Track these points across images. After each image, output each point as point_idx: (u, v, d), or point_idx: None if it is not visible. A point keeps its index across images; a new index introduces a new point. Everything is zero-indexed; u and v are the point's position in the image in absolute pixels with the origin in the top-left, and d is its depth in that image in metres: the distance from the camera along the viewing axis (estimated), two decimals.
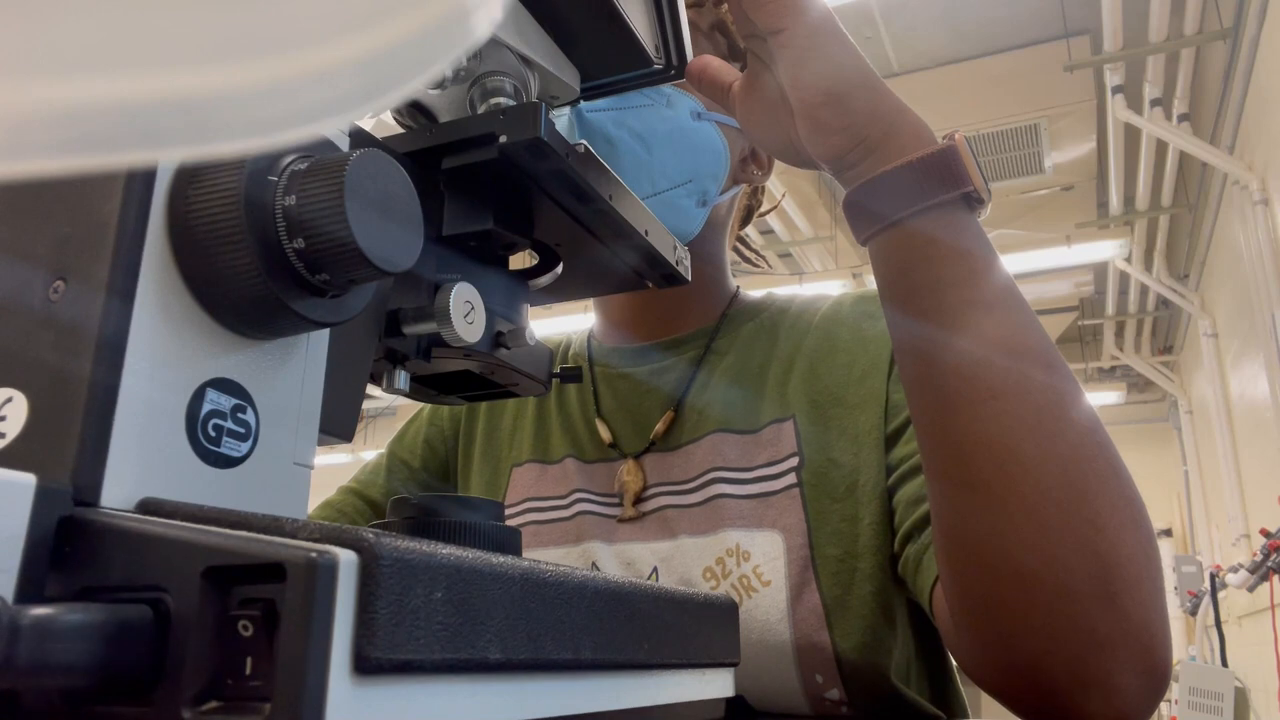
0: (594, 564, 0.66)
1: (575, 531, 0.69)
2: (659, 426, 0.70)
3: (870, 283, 0.64)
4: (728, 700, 0.41)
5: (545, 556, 0.68)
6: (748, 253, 0.87)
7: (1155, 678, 0.43)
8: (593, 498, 0.70)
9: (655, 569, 0.64)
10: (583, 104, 0.59)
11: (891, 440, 0.62)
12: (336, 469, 8.17)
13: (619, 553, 0.66)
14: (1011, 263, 4.42)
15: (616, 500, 0.69)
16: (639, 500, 0.68)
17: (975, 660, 0.49)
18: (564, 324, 5.48)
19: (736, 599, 0.58)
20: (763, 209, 0.85)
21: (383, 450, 0.84)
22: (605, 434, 0.72)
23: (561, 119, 0.63)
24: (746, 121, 0.54)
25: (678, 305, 0.74)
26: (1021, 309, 0.46)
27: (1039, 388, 0.44)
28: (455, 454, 0.81)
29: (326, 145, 0.33)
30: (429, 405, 0.84)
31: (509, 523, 0.71)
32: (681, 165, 0.64)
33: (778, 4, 0.47)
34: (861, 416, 0.63)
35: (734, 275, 0.79)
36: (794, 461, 0.64)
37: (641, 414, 0.72)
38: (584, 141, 0.43)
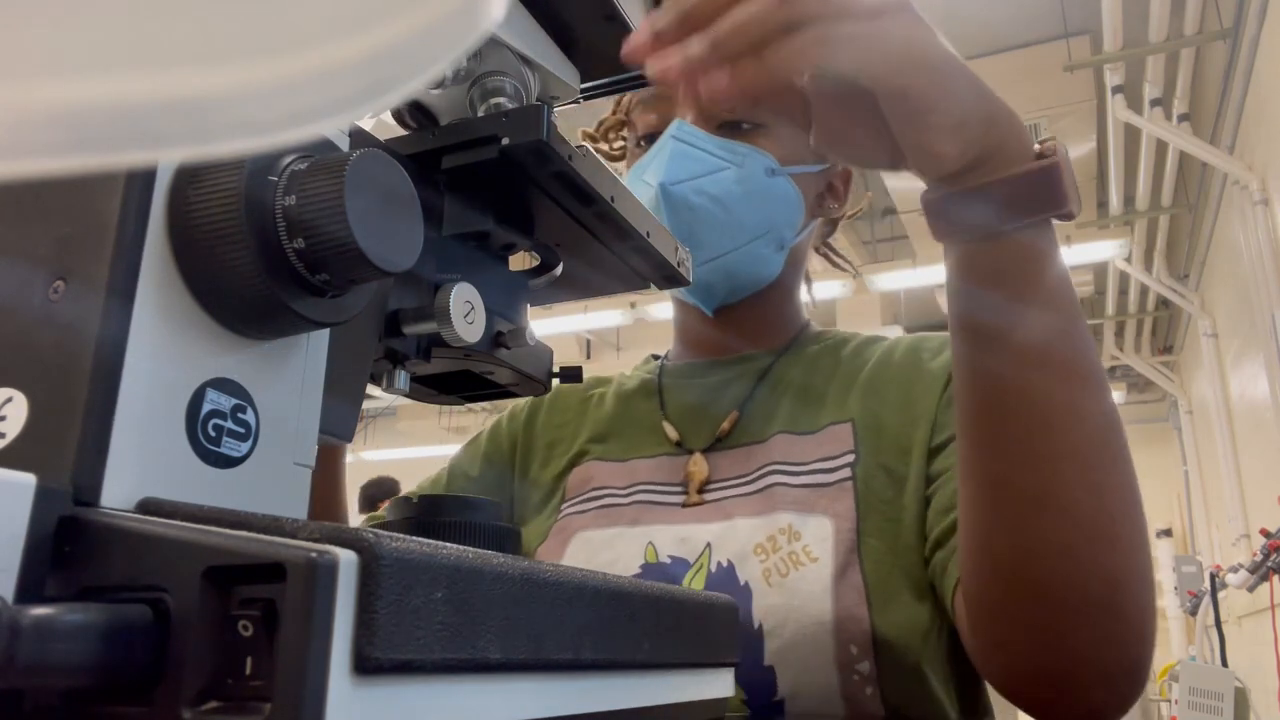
0: (650, 543, 0.68)
1: (632, 515, 0.71)
2: (724, 425, 0.73)
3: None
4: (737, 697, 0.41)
5: (599, 535, 0.70)
6: (835, 258, 0.90)
7: (1140, 677, 0.48)
8: (655, 487, 0.73)
9: (709, 545, 0.66)
10: (664, 180, 0.67)
11: (934, 453, 0.65)
12: None
13: (675, 531, 0.68)
14: None
15: (680, 489, 0.71)
16: (702, 490, 0.70)
17: (984, 659, 0.53)
18: (564, 324, 5.48)
19: (784, 571, 0.61)
20: (849, 213, 0.86)
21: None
22: (672, 433, 0.75)
23: (650, 191, 0.68)
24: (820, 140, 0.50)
25: (750, 329, 0.78)
26: (1083, 331, 0.47)
27: (1090, 415, 0.45)
28: (512, 469, 0.83)
29: (326, 145, 0.33)
30: (488, 429, 0.87)
31: (572, 513, 0.73)
32: (758, 219, 0.70)
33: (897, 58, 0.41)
34: (914, 432, 0.66)
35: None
36: (850, 458, 0.67)
37: (707, 416, 0.75)
38: (586, 145, 0.43)
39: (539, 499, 0.79)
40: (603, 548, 0.69)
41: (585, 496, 0.75)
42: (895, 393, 0.70)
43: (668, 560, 0.66)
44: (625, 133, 0.79)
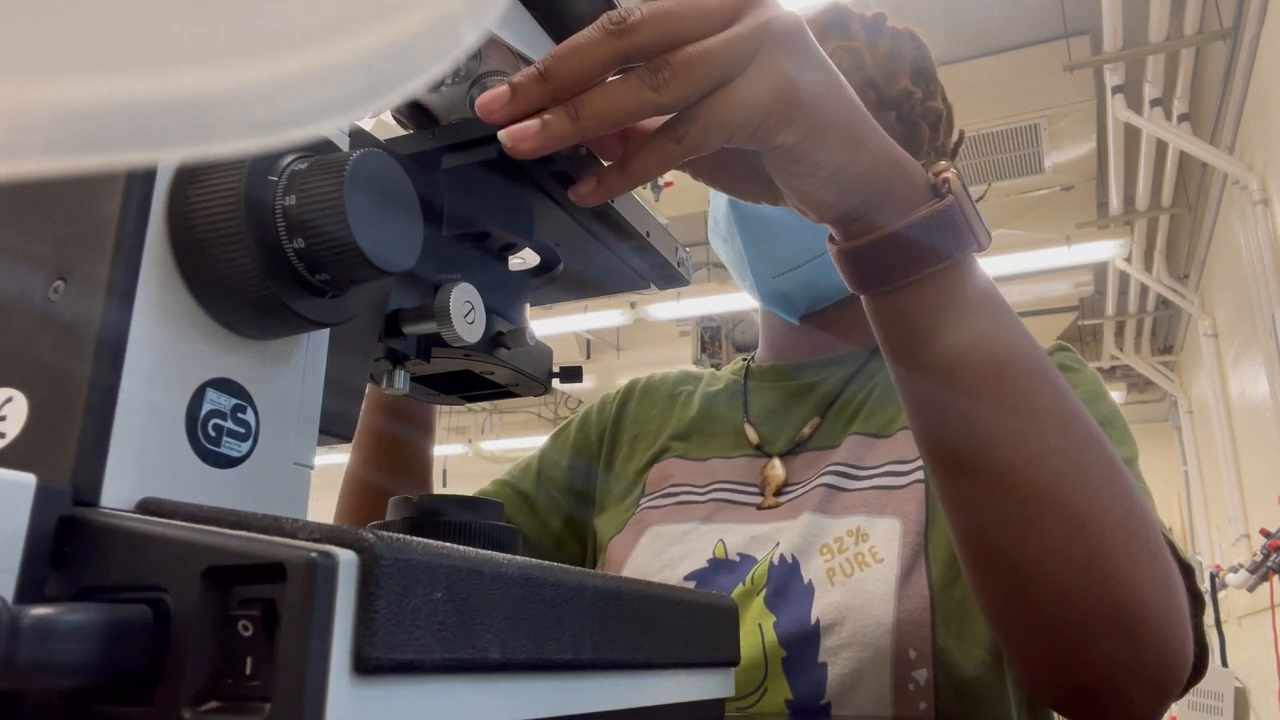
0: (721, 540, 0.68)
1: (707, 512, 0.71)
2: (805, 430, 0.73)
3: None
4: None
5: (672, 529, 0.70)
6: None
7: (1165, 687, 0.47)
8: (733, 488, 0.72)
9: (777, 544, 0.65)
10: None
11: None
12: (336, 469, 8.12)
13: (747, 530, 0.68)
14: (1011, 263, 4.41)
15: (757, 490, 0.71)
16: (779, 493, 0.70)
17: (1011, 665, 0.54)
18: (564, 324, 5.48)
19: (848, 571, 0.60)
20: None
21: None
22: (753, 436, 0.75)
23: (721, 200, 0.67)
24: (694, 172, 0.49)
25: (839, 330, 0.77)
26: (1024, 347, 0.45)
27: (1052, 431, 0.44)
28: (598, 460, 0.84)
29: (326, 145, 0.33)
30: (578, 418, 0.87)
31: (649, 507, 0.73)
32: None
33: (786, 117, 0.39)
34: None
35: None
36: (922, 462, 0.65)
37: (788, 420, 0.75)
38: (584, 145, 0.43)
39: (620, 491, 0.79)
40: (674, 541, 0.69)
41: (663, 492, 0.75)
42: None
43: (736, 558, 0.66)
44: None
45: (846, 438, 0.70)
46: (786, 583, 0.62)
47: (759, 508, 0.70)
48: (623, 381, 0.90)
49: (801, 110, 0.39)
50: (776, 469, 0.71)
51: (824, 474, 0.68)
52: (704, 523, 0.70)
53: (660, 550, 0.69)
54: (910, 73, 0.75)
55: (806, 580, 0.62)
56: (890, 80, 0.74)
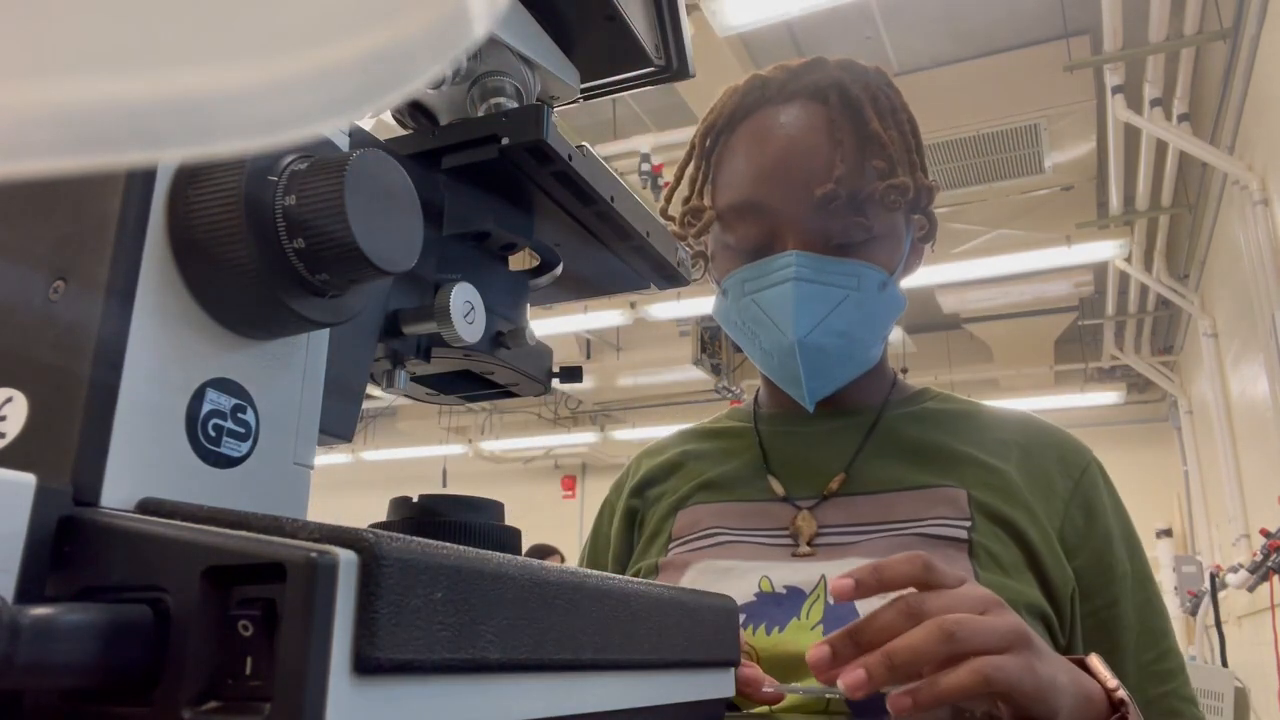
0: (765, 576, 0.69)
1: (746, 553, 0.73)
2: (832, 485, 0.74)
3: None
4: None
5: (717, 564, 0.72)
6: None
7: None
8: (764, 533, 0.75)
9: (823, 576, 0.67)
10: (798, 335, 0.68)
11: (1071, 553, 0.69)
12: (336, 469, 8.13)
13: (790, 568, 0.70)
14: (1011, 263, 4.41)
15: (787, 535, 0.73)
16: (811, 542, 0.72)
17: None
18: (564, 324, 5.49)
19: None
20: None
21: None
22: (778, 488, 0.76)
23: (782, 339, 0.69)
24: None
25: (849, 391, 0.78)
26: None
27: None
28: (635, 529, 0.86)
29: (326, 145, 0.33)
30: (603, 511, 0.89)
31: (684, 550, 0.75)
32: (876, 335, 0.74)
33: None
34: (1036, 506, 0.70)
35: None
36: (968, 523, 0.68)
37: (812, 469, 0.76)
38: (585, 144, 0.43)
39: (645, 540, 0.81)
40: (720, 576, 0.71)
41: (697, 535, 0.76)
42: (1015, 474, 0.72)
43: (783, 590, 0.67)
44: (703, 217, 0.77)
45: (884, 493, 0.72)
46: (842, 617, 0.64)
47: (794, 554, 0.72)
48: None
49: (1052, 682, 0.49)
50: (807, 521, 0.73)
51: (858, 523, 0.71)
52: (745, 561, 0.72)
53: (706, 586, 0.70)
54: (920, 160, 0.76)
55: (862, 614, 0.64)
56: (916, 177, 0.75)
